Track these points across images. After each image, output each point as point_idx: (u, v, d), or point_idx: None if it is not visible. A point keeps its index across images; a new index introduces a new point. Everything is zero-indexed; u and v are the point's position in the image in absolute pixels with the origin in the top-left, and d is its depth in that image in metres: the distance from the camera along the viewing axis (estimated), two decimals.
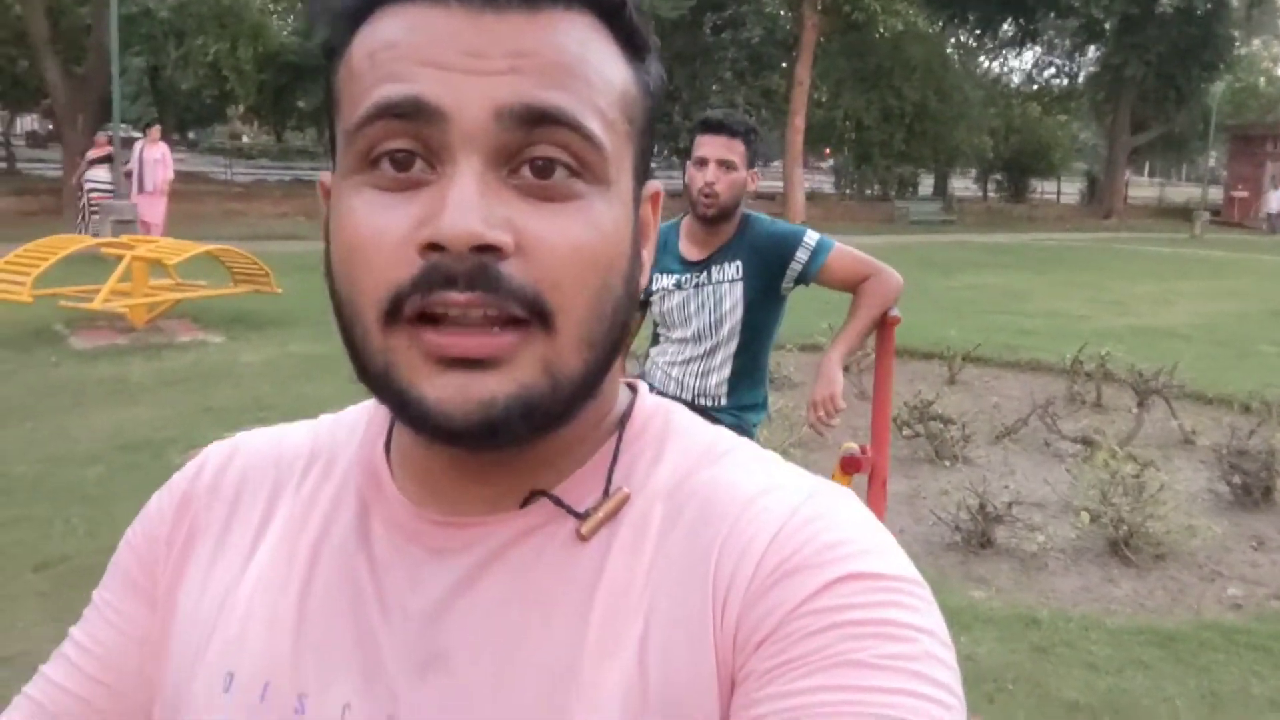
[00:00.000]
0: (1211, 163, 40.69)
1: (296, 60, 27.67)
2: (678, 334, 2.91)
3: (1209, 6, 29.97)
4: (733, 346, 2.83)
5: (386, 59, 0.54)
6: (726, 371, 2.84)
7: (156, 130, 14.00)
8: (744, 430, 2.83)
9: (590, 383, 0.57)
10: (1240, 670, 3.44)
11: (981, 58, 37.72)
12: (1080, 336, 7.95)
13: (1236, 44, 34.94)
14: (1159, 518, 4.64)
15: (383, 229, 0.52)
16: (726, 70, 29.23)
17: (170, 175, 13.51)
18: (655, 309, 2.96)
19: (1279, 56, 50.37)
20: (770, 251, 2.80)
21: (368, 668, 0.58)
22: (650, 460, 0.62)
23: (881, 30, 25.35)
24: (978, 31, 35.90)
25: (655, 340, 3.05)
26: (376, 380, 0.54)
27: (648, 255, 0.63)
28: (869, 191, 33.88)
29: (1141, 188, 45.05)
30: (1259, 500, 5.36)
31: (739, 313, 2.80)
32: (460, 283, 0.51)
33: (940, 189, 36.35)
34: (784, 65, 29.42)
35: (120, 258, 8.53)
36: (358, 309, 0.54)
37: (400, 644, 0.58)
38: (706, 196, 2.74)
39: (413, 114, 0.52)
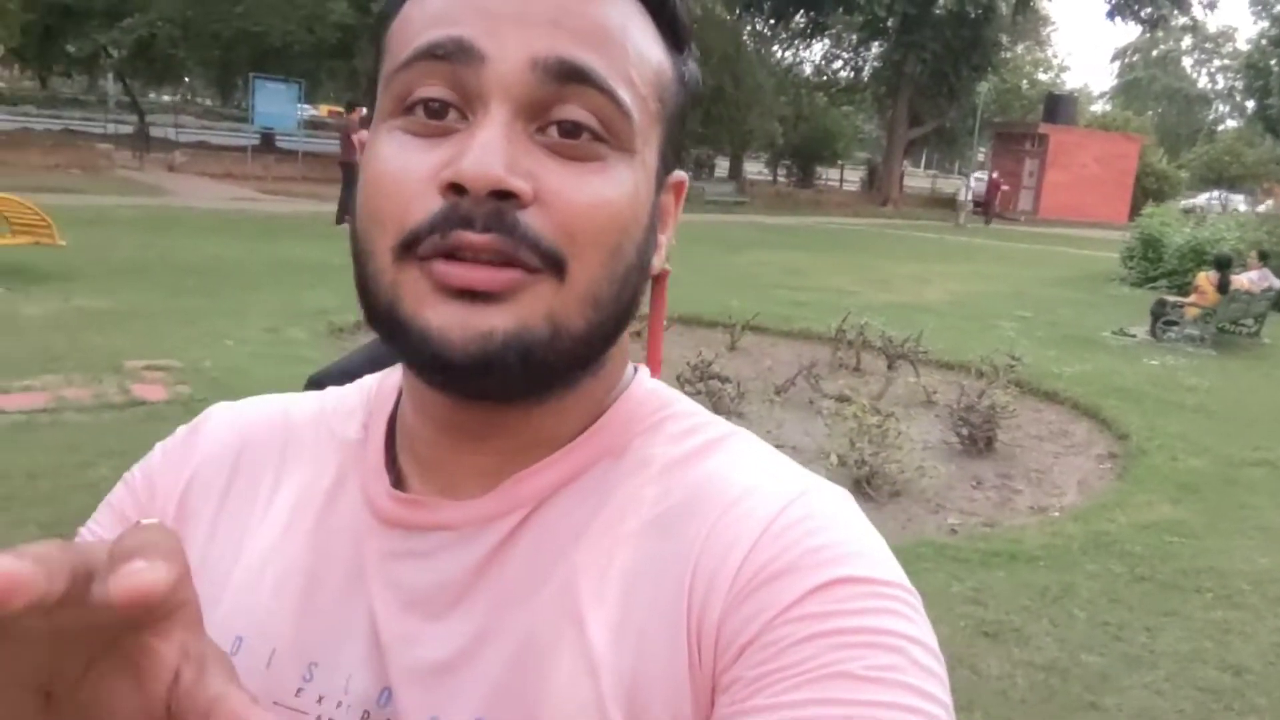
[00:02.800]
0: (981, 157, 44.08)
1: (68, 1, 25.90)
2: None
3: (979, 11, 32.42)
4: None
5: (435, 9, 0.54)
6: None
7: None
8: None
9: (592, 345, 0.56)
10: (944, 575, 4.16)
11: (775, 47, 39.38)
12: (847, 310, 8.81)
13: (1002, 48, 38.00)
14: (896, 461, 5.40)
15: (408, 168, 0.53)
16: None
17: None
18: None
19: (1040, 61, 54.99)
20: None
21: (367, 642, 0.59)
22: (644, 440, 0.61)
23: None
24: (771, 21, 37.45)
25: None
26: (382, 314, 0.54)
27: (665, 239, 0.62)
28: None
29: (917, 178, 48.22)
30: (983, 449, 6.25)
31: None
32: (478, 224, 0.51)
33: (735, 171, 37.79)
34: None
35: None
36: (374, 244, 0.54)
37: (385, 621, 0.58)
38: None
39: (453, 54, 0.52)
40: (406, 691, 0.57)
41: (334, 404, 0.69)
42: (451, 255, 0.52)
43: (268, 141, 26.43)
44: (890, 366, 7.76)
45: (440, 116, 0.53)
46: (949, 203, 33.43)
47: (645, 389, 0.64)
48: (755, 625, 0.51)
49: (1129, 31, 70.30)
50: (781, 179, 40.96)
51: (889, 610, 0.52)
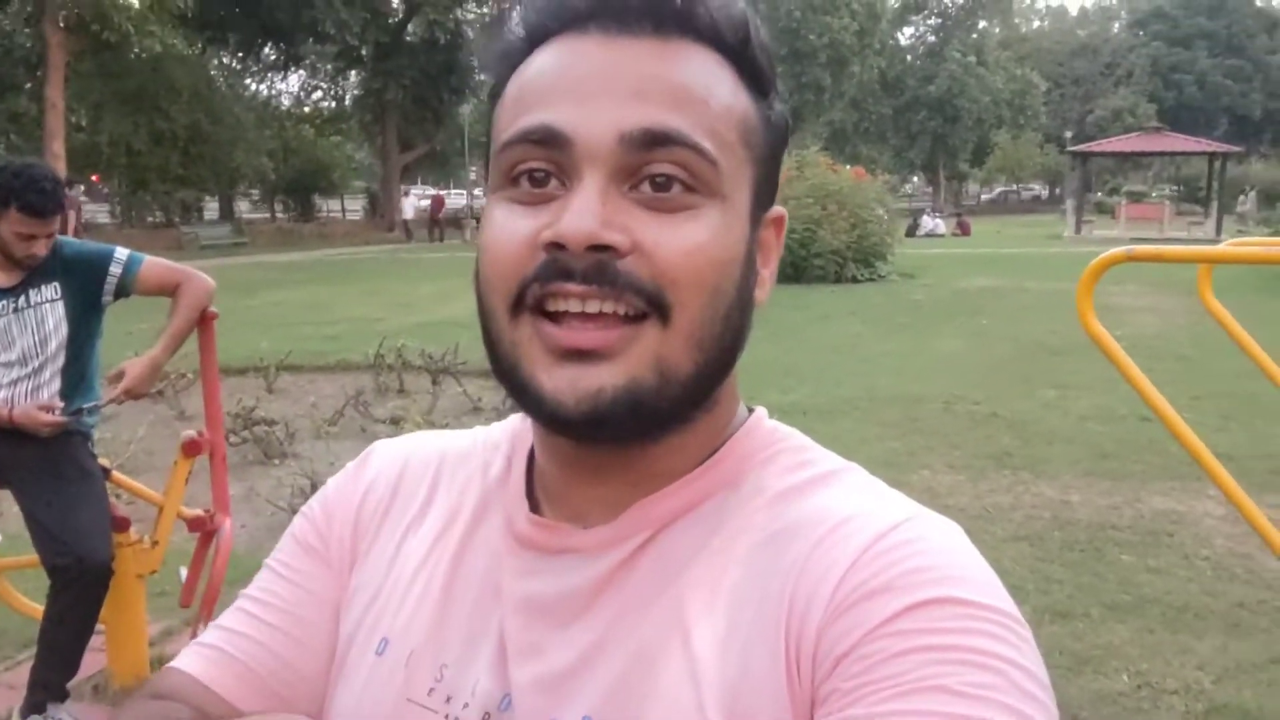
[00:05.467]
0: (473, 175, 45.78)
1: None
2: (1, 358, 3.00)
3: (449, 37, 33.63)
4: (60, 361, 2.99)
5: (530, 90, 0.59)
6: (57, 384, 3.00)
7: None
8: (83, 432, 3.04)
9: (701, 386, 0.60)
10: None
11: (248, 80, 37.98)
12: (379, 335, 8.91)
13: (477, 70, 39.76)
14: None
15: (515, 232, 0.57)
16: None
17: None
18: None
19: None
20: (85, 271, 3.02)
21: (495, 651, 0.64)
22: (757, 473, 0.64)
23: (138, 51, 24.41)
24: (240, 55, 36.08)
25: None
26: (507, 373, 0.59)
27: (767, 273, 0.66)
28: (151, 218, 32.28)
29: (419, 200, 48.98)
30: None
31: (64, 330, 2.98)
32: (577, 276, 0.55)
33: (226, 212, 35.97)
34: (30, 86, 26.79)
35: None
36: (491, 304, 0.59)
37: (514, 633, 0.63)
38: (32, 258, 2.91)
39: (546, 140, 0.57)
40: (526, 698, 0.61)
41: (484, 439, 0.75)
42: (555, 314, 0.56)
43: None
44: (435, 382, 7.99)
45: (543, 185, 0.58)
46: (454, 221, 34.37)
47: (764, 426, 0.67)
48: (851, 638, 0.53)
49: None
50: (280, 215, 39.66)
51: (989, 633, 0.51)
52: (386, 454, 0.77)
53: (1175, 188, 50.96)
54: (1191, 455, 2.37)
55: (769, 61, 0.63)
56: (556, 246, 0.55)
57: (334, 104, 39.72)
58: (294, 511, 4.31)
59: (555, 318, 0.57)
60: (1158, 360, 8.27)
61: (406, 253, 26.10)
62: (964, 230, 32.98)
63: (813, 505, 0.60)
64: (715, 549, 0.60)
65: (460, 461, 0.74)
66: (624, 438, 0.60)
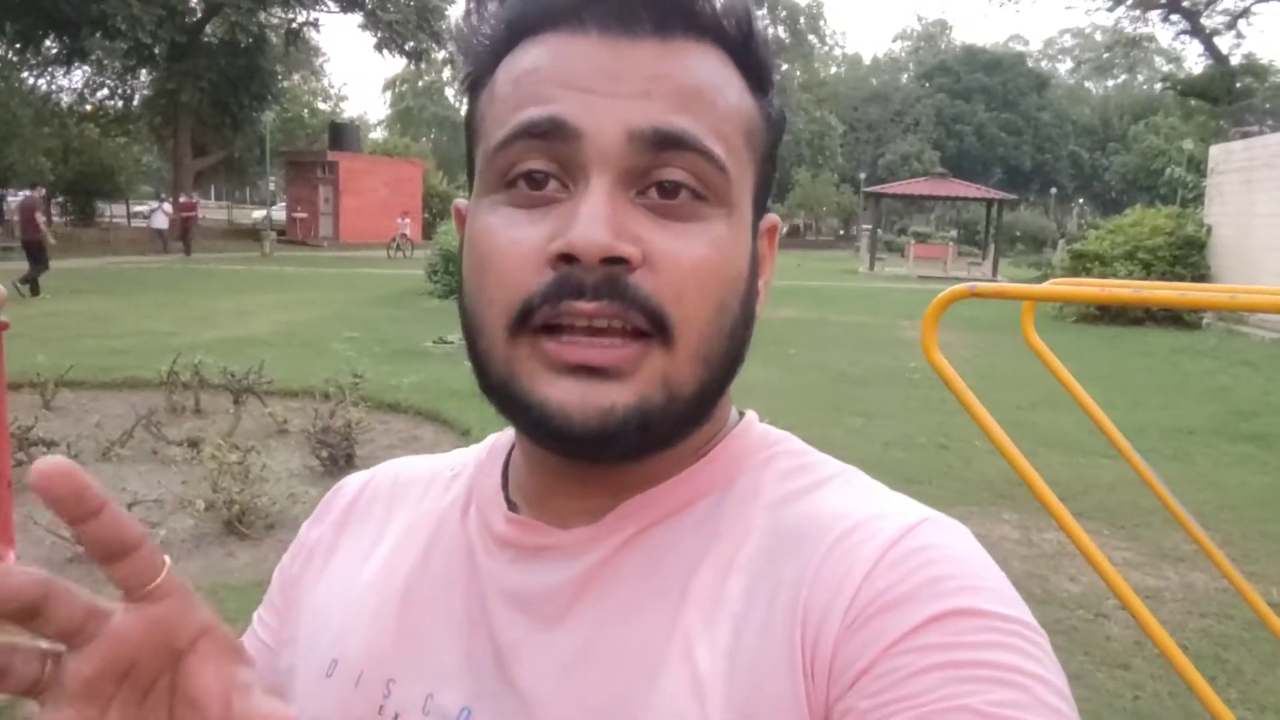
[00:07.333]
0: (272, 186, 43.97)
1: None
2: None
3: (250, 40, 32.18)
4: None
5: (529, 83, 0.55)
6: None
7: None
8: None
9: (704, 402, 0.58)
10: None
11: (26, 74, 35.16)
12: (172, 351, 8.37)
13: (280, 77, 38.25)
14: (264, 494, 5.33)
15: (516, 241, 0.54)
16: None
17: None
18: None
19: (318, 91, 56.44)
20: None
21: (452, 660, 0.61)
22: (754, 475, 0.61)
23: None
24: (18, 46, 33.37)
25: None
26: (498, 389, 0.56)
27: (764, 286, 0.63)
28: None
29: (211, 210, 46.61)
30: (344, 466, 6.38)
31: None
32: (589, 292, 0.52)
33: None
34: None
35: None
36: (485, 320, 0.55)
37: (489, 638, 0.60)
38: None
39: (551, 133, 0.53)
40: (500, 709, 0.58)
41: (451, 459, 0.74)
42: (559, 328, 0.53)
43: None
44: (237, 402, 7.55)
45: (541, 186, 0.55)
46: (250, 233, 32.87)
47: (757, 429, 0.65)
48: (870, 653, 0.50)
49: (396, 63, 75.23)
50: (58, 219, 36.82)
51: (1011, 646, 0.50)
52: (350, 483, 0.76)
53: (956, 230, 54.64)
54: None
55: (769, 56, 0.61)
56: (567, 259, 0.52)
57: (122, 103, 37.24)
58: (78, 540, 4.09)
59: (555, 331, 0.54)
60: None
61: (198, 264, 24.72)
62: None
63: (817, 510, 0.58)
64: (713, 558, 0.57)
65: (422, 479, 0.72)
66: (629, 455, 0.57)
